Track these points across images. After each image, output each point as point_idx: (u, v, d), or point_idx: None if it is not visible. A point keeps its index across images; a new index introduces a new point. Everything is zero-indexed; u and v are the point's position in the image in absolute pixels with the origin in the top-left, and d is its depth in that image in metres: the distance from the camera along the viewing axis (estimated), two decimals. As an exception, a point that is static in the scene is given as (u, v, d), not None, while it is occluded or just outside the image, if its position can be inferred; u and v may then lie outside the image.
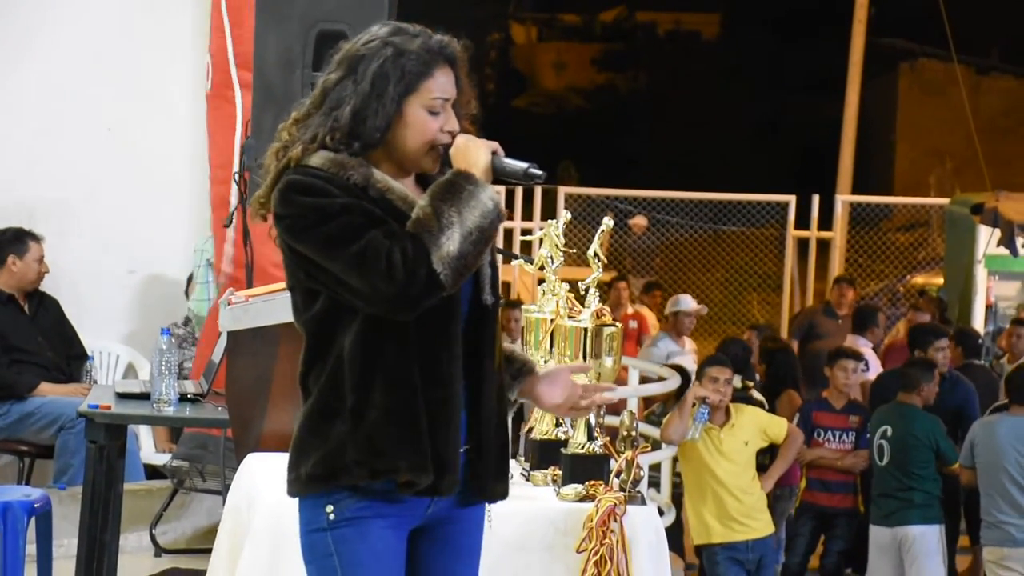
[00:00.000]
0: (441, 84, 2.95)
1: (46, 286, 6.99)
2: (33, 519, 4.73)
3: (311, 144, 2.88)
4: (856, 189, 16.37)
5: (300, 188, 2.84)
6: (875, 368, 9.25)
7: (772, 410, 7.76)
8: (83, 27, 7.19)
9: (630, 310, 11.42)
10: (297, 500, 2.94)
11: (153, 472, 6.87)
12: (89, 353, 6.95)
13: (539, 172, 3.05)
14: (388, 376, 2.86)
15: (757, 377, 8.48)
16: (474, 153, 2.94)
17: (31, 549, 4.77)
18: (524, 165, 3.05)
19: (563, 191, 13.87)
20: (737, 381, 7.39)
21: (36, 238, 6.87)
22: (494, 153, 2.97)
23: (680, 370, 7.92)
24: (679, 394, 7.24)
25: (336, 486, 2.87)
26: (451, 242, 2.82)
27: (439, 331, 2.91)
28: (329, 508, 2.87)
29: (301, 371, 2.93)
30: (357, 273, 2.79)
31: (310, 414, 2.89)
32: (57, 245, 6.99)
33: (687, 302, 10.28)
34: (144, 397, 5.05)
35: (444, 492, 2.91)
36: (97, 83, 7.16)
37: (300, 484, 2.90)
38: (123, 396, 5.12)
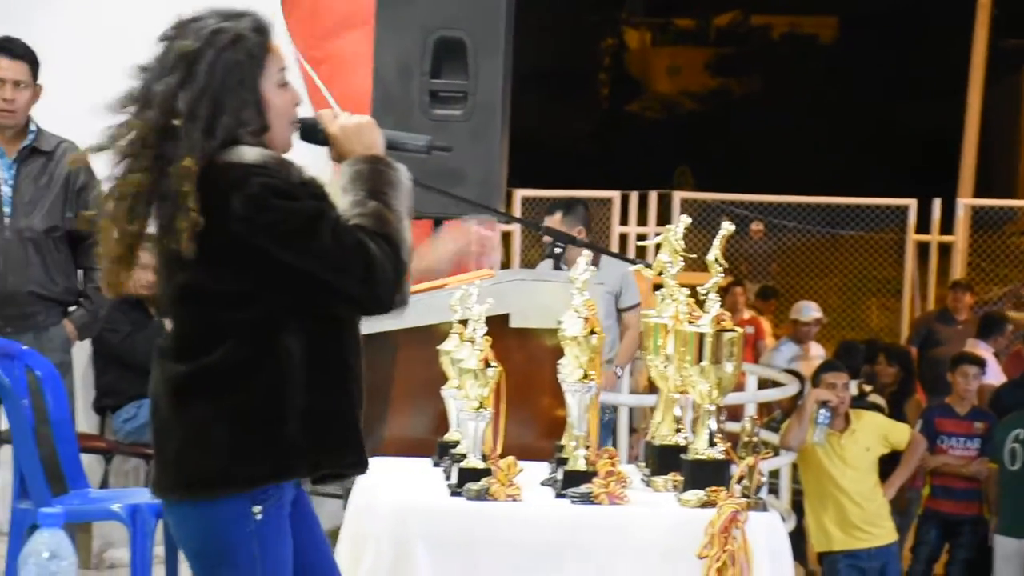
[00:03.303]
0: (279, 57, 2.92)
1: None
2: (161, 521, 4.81)
3: (218, 148, 2.79)
4: (978, 192, 16.12)
5: (276, 191, 2.78)
6: (994, 374, 9.10)
7: (900, 415, 7.68)
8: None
9: (746, 315, 11.34)
10: (188, 503, 2.85)
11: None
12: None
13: (442, 146, 3.05)
14: (331, 376, 2.88)
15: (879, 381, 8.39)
16: (369, 135, 2.94)
17: (159, 550, 4.84)
18: (423, 140, 3.05)
19: (678, 196, 13.82)
20: (854, 387, 7.31)
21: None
22: None
23: (797, 376, 7.86)
24: (796, 400, 7.18)
25: (272, 484, 2.85)
26: (407, 232, 2.86)
27: (354, 327, 2.94)
28: (256, 509, 2.83)
29: (206, 368, 2.82)
30: (346, 277, 2.78)
31: (244, 414, 2.81)
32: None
33: (808, 310, 10.18)
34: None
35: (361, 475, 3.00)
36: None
37: (230, 484, 2.82)
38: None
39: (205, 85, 2.81)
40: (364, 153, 2.92)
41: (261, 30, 2.89)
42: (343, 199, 2.87)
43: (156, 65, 2.86)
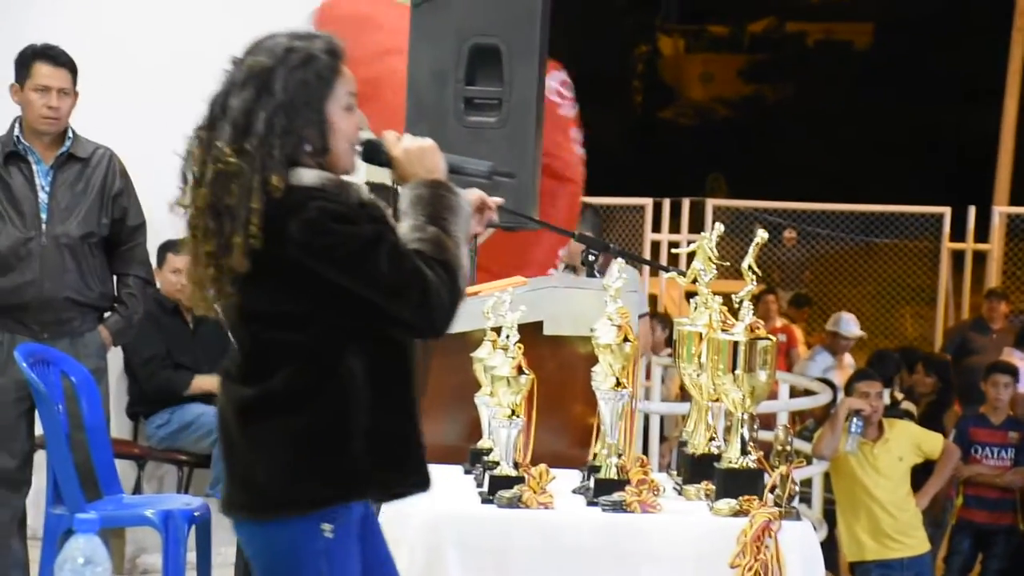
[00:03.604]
0: (349, 81, 2.93)
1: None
2: (193, 527, 4.83)
3: (284, 167, 2.80)
4: (1014, 200, 16.02)
5: (334, 216, 2.78)
6: (1027, 383, 9.06)
7: (938, 425, 7.65)
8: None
9: (778, 323, 11.31)
10: (256, 522, 2.86)
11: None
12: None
13: (505, 172, 3.06)
14: (393, 396, 2.89)
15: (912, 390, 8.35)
16: (431, 159, 2.96)
17: (191, 557, 4.86)
18: (485, 165, 3.05)
19: (711, 203, 13.78)
20: (887, 396, 7.29)
21: (177, 249, 6.95)
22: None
23: (830, 384, 7.83)
24: (828, 409, 7.16)
25: (341, 503, 2.86)
26: (464, 258, 2.87)
27: (412, 346, 2.97)
28: (326, 527, 2.84)
29: (269, 391, 2.83)
30: (402, 302, 2.79)
31: (308, 436, 2.83)
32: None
33: (849, 326, 10.12)
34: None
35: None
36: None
37: (296, 505, 2.84)
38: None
39: (276, 102, 2.83)
40: (426, 177, 2.94)
41: (333, 52, 2.91)
42: (402, 222, 2.89)
43: (229, 81, 2.89)
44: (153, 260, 6.28)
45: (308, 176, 2.83)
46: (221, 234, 2.81)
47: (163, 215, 6.68)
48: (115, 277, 5.57)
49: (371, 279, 2.78)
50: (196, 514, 4.85)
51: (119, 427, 6.79)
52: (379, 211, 2.86)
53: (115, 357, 6.51)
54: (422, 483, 2.97)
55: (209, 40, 7.28)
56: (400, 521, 3.71)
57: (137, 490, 6.78)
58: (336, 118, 2.89)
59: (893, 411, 7.52)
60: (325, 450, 2.83)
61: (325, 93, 2.88)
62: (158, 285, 6.63)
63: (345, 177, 2.91)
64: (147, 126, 6.94)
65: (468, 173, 3.11)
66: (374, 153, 2.99)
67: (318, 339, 2.83)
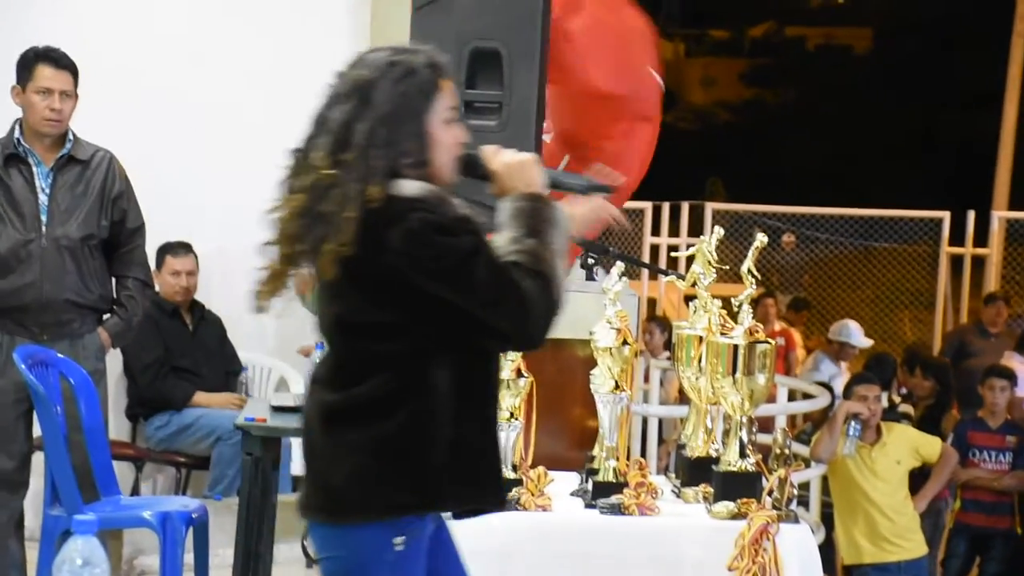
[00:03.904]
0: (450, 95, 2.96)
1: (204, 300, 7.12)
2: (191, 529, 4.83)
3: (384, 178, 2.83)
4: (1013, 204, 16.02)
5: (435, 227, 2.80)
6: None
7: (937, 429, 7.65)
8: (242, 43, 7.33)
9: (777, 327, 11.31)
10: (330, 525, 2.88)
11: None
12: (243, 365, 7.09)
13: (603, 186, 3.06)
14: (478, 409, 2.91)
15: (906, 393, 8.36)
16: (530, 172, 2.97)
17: (188, 558, 4.86)
18: (584, 180, 3.06)
19: (711, 207, 13.78)
20: (885, 399, 7.29)
21: (175, 251, 6.97)
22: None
23: (828, 388, 7.84)
24: (826, 412, 7.17)
25: (416, 513, 2.88)
26: (561, 271, 2.89)
27: (498, 360, 3.00)
28: (398, 540, 2.85)
29: (356, 397, 2.86)
30: (499, 314, 2.81)
31: (390, 444, 2.84)
32: (212, 257, 7.11)
33: (858, 337, 10.12)
34: (298, 411, 5.13)
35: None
36: (253, 98, 7.29)
37: (374, 510, 2.85)
38: (278, 409, 5.21)
39: (378, 115, 2.86)
40: (525, 191, 2.95)
41: (434, 66, 2.94)
42: (500, 235, 2.92)
43: (331, 94, 2.92)
44: (152, 263, 6.28)
45: (409, 187, 2.85)
46: (310, 239, 2.84)
47: (161, 218, 6.71)
48: (114, 279, 5.57)
49: (469, 290, 2.80)
50: (194, 516, 4.85)
51: (117, 429, 6.79)
52: (476, 224, 2.88)
53: (115, 359, 6.52)
54: (497, 501, 2.97)
55: (209, 43, 7.32)
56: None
57: (135, 492, 6.78)
58: (436, 131, 2.92)
59: (891, 414, 7.52)
60: (406, 458, 2.84)
61: (426, 106, 2.90)
62: (157, 288, 6.64)
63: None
64: (146, 129, 6.97)
65: (566, 187, 3.12)
66: (472, 167, 3.00)
67: (409, 349, 2.85)
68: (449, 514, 3.01)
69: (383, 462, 2.84)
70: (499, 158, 2.99)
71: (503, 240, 2.89)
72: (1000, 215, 13.98)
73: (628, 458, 3.88)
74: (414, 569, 2.89)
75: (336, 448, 2.87)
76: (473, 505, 2.96)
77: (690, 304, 4.14)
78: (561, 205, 2.97)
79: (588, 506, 3.73)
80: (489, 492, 2.94)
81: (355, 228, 2.79)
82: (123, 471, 6.48)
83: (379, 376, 2.85)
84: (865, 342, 10.17)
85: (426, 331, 2.84)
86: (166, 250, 6.96)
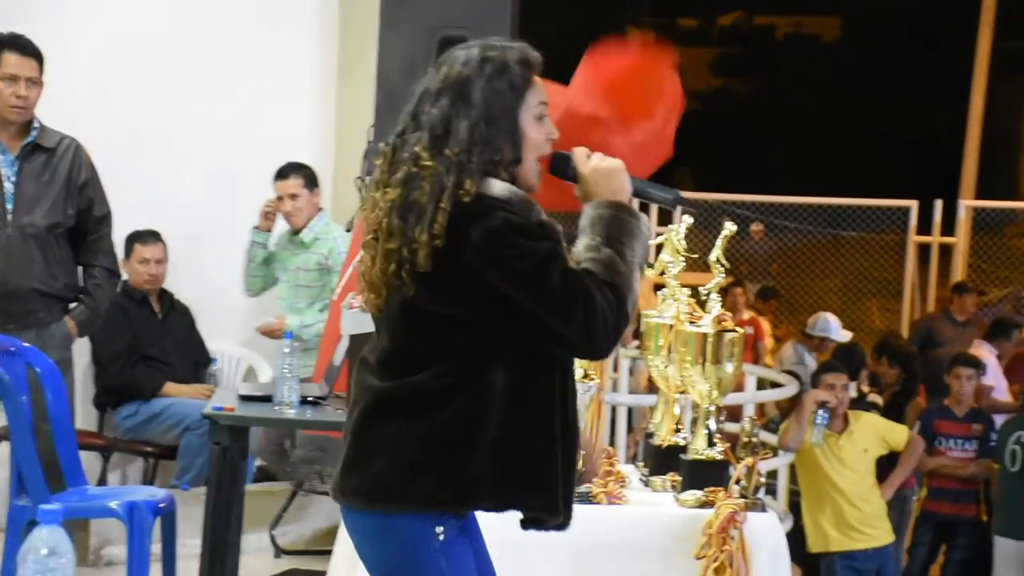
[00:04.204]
0: (541, 91, 2.96)
1: (174, 289, 7.09)
2: (158, 519, 4.81)
3: (478, 175, 2.84)
4: (980, 194, 16.11)
5: (516, 228, 2.81)
6: (993, 376, 9.11)
7: (899, 415, 7.68)
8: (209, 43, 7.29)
9: (745, 316, 11.34)
10: (366, 512, 2.89)
11: (265, 475, 6.96)
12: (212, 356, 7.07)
13: (682, 199, 3.08)
14: (533, 416, 2.88)
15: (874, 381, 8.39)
16: (617, 180, 2.96)
17: (156, 548, 4.85)
18: (671, 193, 3.07)
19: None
20: (853, 389, 7.31)
21: (144, 239, 6.93)
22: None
23: (796, 376, 7.86)
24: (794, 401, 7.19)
25: (453, 509, 2.88)
26: (636, 282, 2.89)
27: (570, 371, 2.97)
28: (439, 529, 2.87)
29: (409, 387, 2.87)
30: (567, 321, 2.80)
31: (434, 437, 2.85)
32: (181, 246, 7.09)
33: (837, 331, 10.14)
34: (266, 400, 5.12)
35: (566, 527, 2.97)
36: (222, 87, 7.27)
37: (411, 501, 2.86)
38: (246, 399, 5.20)
39: (477, 112, 2.87)
40: (609, 198, 2.94)
41: (526, 62, 2.93)
42: (579, 241, 2.92)
43: (425, 89, 2.92)
44: (121, 251, 6.26)
45: (498, 187, 2.86)
46: (406, 232, 2.83)
47: (128, 206, 6.67)
48: (81, 268, 5.54)
49: (541, 294, 2.79)
50: (161, 505, 4.83)
51: (85, 418, 6.76)
52: (555, 232, 2.89)
53: (82, 348, 6.48)
54: (550, 508, 2.92)
55: (177, 32, 7.29)
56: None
57: (102, 481, 6.75)
58: (528, 128, 2.92)
59: (860, 403, 7.55)
60: (450, 454, 2.84)
61: (518, 103, 2.90)
62: (125, 276, 6.61)
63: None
64: (114, 117, 6.93)
65: (653, 199, 3.11)
66: (562, 167, 3.00)
67: (470, 346, 2.85)
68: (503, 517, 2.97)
69: (426, 454, 2.84)
70: (589, 162, 2.98)
71: (581, 246, 2.90)
72: (967, 204, 14.06)
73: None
74: (463, 554, 2.90)
75: (378, 435, 2.88)
76: (515, 508, 2.91)
77: (659, 293, 4.15)
78: (643, 216, 2.96)
79: (556, 495, 3.73)
80: (538, 498, 2.90)
81: (446, 220, 2.80)
82: (90, 461, 6.45)
83: (436, 368, 2.85)
84: (844, 336, 10.19)
85: (491, 329, 2.84)
86: (135, 238, 6.93)
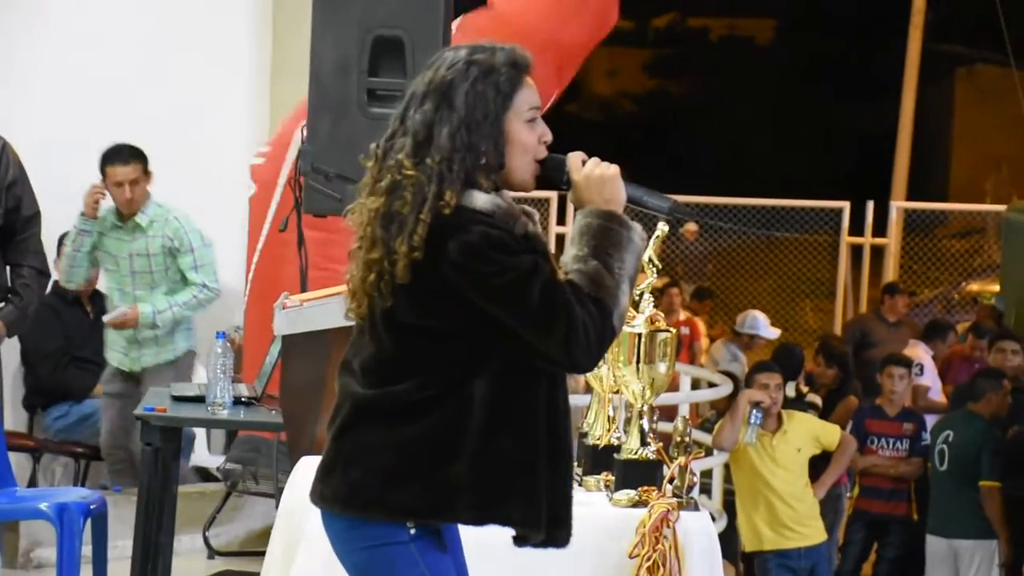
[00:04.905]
0: (531, 93, 2.92)
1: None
2: (89, 520, 4.77)
3: (459, 185, 2.80)
4: (911, 195, 16.27)
5: (494, 243, 2.77)
6: (930, 376, 9.20)
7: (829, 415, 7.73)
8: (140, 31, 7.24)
9: (681, 316, 11.39)
10: (342, 517, 2.88)
11: (205, 475, 6.91)
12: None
13: (688, 209, 3.05)
14: (516, 429, 2.85)
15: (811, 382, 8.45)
16: (610, 188, 2.91)
17: (87, 550, 4.80)
18: (667, 201, 3.03)
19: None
20: (790, 389, 7.36)
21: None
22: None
23: (731, 377, 7.90)
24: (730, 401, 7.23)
25: (429, 519, 2.86)
26: (623, 296, 2.84)
27: (560, 383, 2.93)
28: (411, 523, 2.85)
29: (390, 396, 2.84)
30: (546, 336, 2.77)
31: (413, 446, 2.83)
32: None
33: (766, 329, 10.19)
34: (199, 400, 5.08)
35: (560, 543, 2.95)
36: (154, 81, 7.21)
37: (386, 510, 2.84)
38: (178, 399, 5.16)
39: (458, 117, 2.82)
40: (600, 207, 2.89)
41: (515, 64, 2.89)
42: (568, 250, 2.87)
43: (411, 93, 2.88)
44: (53, 251, 6.19)
45: (480, 200, 2.82)
46: (388, 243, 2.80)
47: (58, 206, 6.60)
48: (9, 268, 5.48)
49: (518, 310, 2.76)
50: (92, 507, 4.79)
51: (14, 419, 6.69)
52: (541, 244, 2.85)
53: (11, 348, 6.42)
54: (529, 522, 2.89)
55: (106, 26, 7.23)
56: (300, 512, 3.69)
57: (32, 483, 6.69)
58: (516, 131, 2.88)
59: (798, 403, 7.60)
60: (427, 464, 2.82)
61: (504, 107, 2.86)
62: (56, 276, 6.54)
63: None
64: (42, 116, 6.86)
65: (648, 207, 3.05)
66: (556, 172, 2.94)
67: (452, 357, 2.82)
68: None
69: (404, 463, 2.82)
70: (583, 169, 2.93)
71: (568, 257, 2.86)
72: (898, 205, 14.20)
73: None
74: (441, 553, 2.89)
75: (358, 441, 2.86)
76: (493, 521, 2.87)
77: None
78: (636, 226, 2.91)
79: (490, 495, 3.72)
80: (517, 511, 2.86)
81: (425, 232, 2.77)
82: (20, 462, 6.39)
83: (417, 378, 2.82)
84: (773, 333, 10.26)
85: (472, 342, 2.81)
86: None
